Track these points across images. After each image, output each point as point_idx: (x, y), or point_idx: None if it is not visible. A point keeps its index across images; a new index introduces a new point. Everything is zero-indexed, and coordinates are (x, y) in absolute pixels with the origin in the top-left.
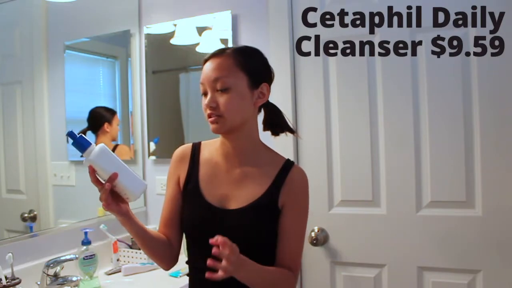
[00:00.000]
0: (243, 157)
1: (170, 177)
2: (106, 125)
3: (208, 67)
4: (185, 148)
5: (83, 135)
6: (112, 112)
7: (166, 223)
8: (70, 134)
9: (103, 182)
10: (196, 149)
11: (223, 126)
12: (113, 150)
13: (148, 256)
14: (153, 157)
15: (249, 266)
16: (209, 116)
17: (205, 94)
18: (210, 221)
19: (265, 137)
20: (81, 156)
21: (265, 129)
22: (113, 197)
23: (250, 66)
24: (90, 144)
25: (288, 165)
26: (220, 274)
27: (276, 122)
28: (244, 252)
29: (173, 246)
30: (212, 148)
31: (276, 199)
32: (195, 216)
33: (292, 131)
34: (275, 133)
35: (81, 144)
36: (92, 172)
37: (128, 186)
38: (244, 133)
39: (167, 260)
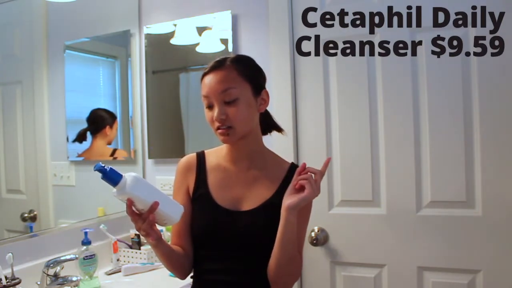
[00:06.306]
0: (251, 161)
1: (178, 187)
2: (107, 128)
3: (212, 79)
4: (190, 157)
5: (113, 168)
6: (114, 117)
7: (180, 233)
8: (100, 169)
9: (137, 211)
10: (201, 157)
11: (234, 136)
12: (112, 154)
13: (168, 269)
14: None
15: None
16: (218, 128)
17: (209, 107)
18: (224, 223)
19: (267, 138)
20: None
21: None
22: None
23: (251, 74)
24: (121, 176)
25: (294, 167)
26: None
27: (267, 123)
28: (257, 251)
29: (190, 256)
30: (218, 155)
31: None
32: (207, 219)
33: (279, 129)
34: (264, 132)
35: (112, 178)
36: (130, 205)
37: (168, 212)
38: (250, 139)
39: (186, 271)
